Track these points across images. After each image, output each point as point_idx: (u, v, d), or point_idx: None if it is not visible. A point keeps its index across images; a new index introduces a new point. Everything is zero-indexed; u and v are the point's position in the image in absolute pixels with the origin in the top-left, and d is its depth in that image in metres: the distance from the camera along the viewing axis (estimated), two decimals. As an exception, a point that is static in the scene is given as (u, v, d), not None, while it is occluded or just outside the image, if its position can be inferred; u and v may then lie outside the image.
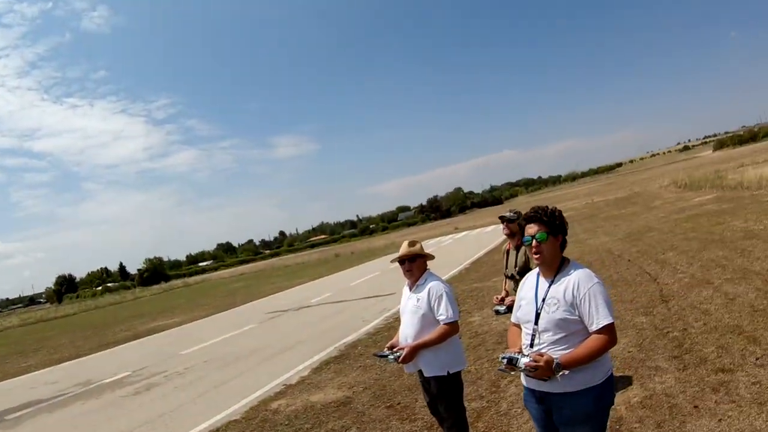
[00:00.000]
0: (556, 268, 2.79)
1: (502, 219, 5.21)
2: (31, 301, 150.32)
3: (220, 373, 9.78)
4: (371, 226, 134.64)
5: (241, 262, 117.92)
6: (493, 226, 38.02)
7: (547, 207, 2.85)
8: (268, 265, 77.03)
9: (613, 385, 2.81)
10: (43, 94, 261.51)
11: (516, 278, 5.04)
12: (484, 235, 33.09)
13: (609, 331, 2.60)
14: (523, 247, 5.07)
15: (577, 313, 2.65)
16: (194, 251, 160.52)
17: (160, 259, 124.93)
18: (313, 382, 7.79)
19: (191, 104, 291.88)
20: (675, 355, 5.48)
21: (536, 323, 2.75)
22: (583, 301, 2.64)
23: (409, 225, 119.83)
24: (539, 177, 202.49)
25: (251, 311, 19.08)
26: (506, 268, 5.37)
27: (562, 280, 2.74)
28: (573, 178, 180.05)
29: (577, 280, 2.70)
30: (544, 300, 2.75)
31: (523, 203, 75.68)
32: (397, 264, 4.03)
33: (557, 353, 2.62)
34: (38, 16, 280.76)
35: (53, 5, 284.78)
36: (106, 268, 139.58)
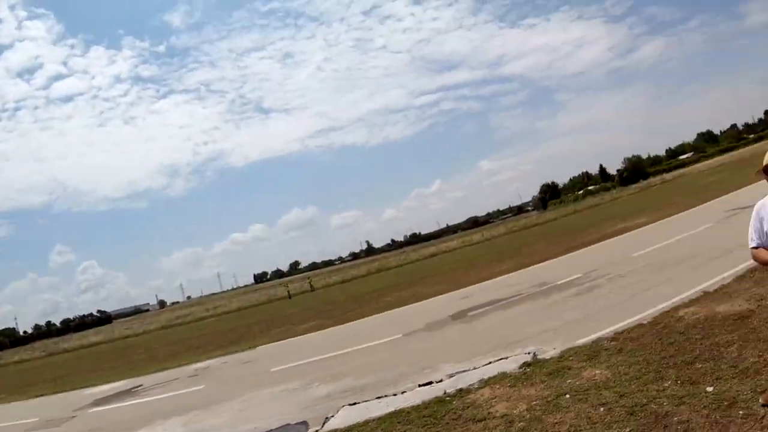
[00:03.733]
0: None
1: None
2: (519, 210, 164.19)
3: (654, 277, 10.39)
4: None
5: (723, 151, 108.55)
6: None
7: None
8: (748, 152, 66.91)
9: None
10: (499, 23, 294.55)
11: None
12: None
13: None
14: None
15: None
16: (674, 144, 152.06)
17: (639, 157, 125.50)
18: (729, 291, 7.71)
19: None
20: None
21: None
22: None
23: None
24: None
25: (713, 209, 18.56)
26: None
27: None
28: None
29: None
30: None
31: None
32: None
33: None
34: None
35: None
36: (586, 172, 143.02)
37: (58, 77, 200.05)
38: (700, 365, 5.24)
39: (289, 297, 40.68)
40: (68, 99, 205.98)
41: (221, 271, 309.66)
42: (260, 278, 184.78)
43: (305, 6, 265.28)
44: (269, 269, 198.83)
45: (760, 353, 5.03)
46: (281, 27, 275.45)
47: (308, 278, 53.35)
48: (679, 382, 5.00)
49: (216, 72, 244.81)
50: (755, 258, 3.93)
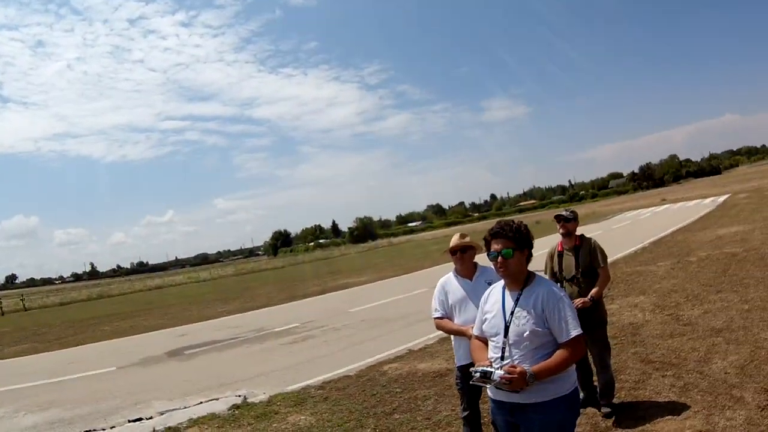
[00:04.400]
0: (522, 281, 2.87)
1: (558, 218, 5.15)
2: (251, 253, 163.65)
3: (367, 332, 11.00)
4: (581, 193, 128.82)
5: (449, 224, 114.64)
6: (695, 201, 38.33)
7: (512, 222, 2.93)
8: (471, 228, 72.29)
9: (579, 395, 3.07)
10: (259, 66, 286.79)
11: (579, 280, 4.98)
12: (684, 211, 31.25)
13: (578, 342, 2.73)
14: (586, 247, 5.05)
15: (546, 325, 2.74)
16: (405, 212, 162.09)
17: (370, 219, 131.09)
18: (432, 351, 8.32)
19: (402, 70, 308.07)
20: None
21: (506, 336, 2.81)
22: (552, 313, 2.74)
23: (619, 193, 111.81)
24: (764, 145, 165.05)
25: (431, 275, 18.63)
26: (561, 271, 5.13)
27: (530, 293, 2.83)
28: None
29: (544, 293, 2.80)
30: (512, 313, 2.82)
31: (743, 174, 73.78)
32: None
33: (528, 365, 2.67)
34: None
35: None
36: (319, 225, 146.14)
37: None
38: (399, 416, 5.62)
39: (2, 314, 35.54)
40: None
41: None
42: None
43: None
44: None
45: (453, 407, 5.52)
46: (41, 11, 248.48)
47: (21, 296, 47.20)
48: (377, 431, 5.30)
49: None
50: (439, 327, 4.33)
